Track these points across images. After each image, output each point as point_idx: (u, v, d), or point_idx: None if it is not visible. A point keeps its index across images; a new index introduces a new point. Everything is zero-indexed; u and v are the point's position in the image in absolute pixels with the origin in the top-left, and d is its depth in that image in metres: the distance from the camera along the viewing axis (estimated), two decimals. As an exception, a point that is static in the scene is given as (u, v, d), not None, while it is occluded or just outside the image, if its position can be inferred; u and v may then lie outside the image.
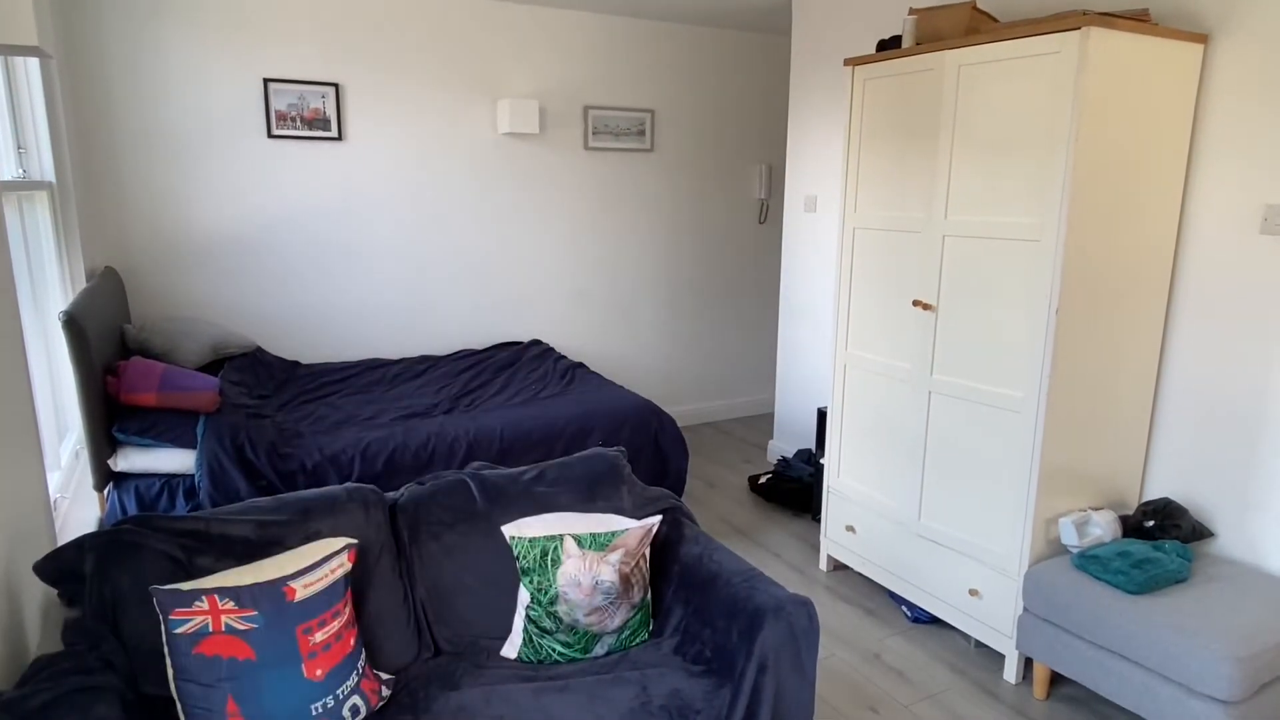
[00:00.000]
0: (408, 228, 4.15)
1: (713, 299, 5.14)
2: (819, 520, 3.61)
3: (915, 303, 2.73)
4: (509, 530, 1.93)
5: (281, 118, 3.82)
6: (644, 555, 1.97)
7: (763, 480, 3.99)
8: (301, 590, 1.68)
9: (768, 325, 5.37)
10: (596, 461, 2.16)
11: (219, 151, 3.72)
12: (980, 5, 3.07)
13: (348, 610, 1.75)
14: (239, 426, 2.73)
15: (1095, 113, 2.22)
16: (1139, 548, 2.35)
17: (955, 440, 2.64)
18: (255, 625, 1.62)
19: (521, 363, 3.98)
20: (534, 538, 1.91)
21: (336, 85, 3.88)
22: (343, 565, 1.76)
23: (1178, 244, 2.58)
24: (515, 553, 1.91)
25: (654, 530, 1.99)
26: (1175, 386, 2.62)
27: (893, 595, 3.02)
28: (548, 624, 1.89)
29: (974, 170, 2.50)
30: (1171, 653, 2.06)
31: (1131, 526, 2.52)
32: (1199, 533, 2.51)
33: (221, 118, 3.70)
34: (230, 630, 1.60)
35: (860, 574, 3.19)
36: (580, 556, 1.88)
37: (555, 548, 1.90)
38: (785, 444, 4.45)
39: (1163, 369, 2.65)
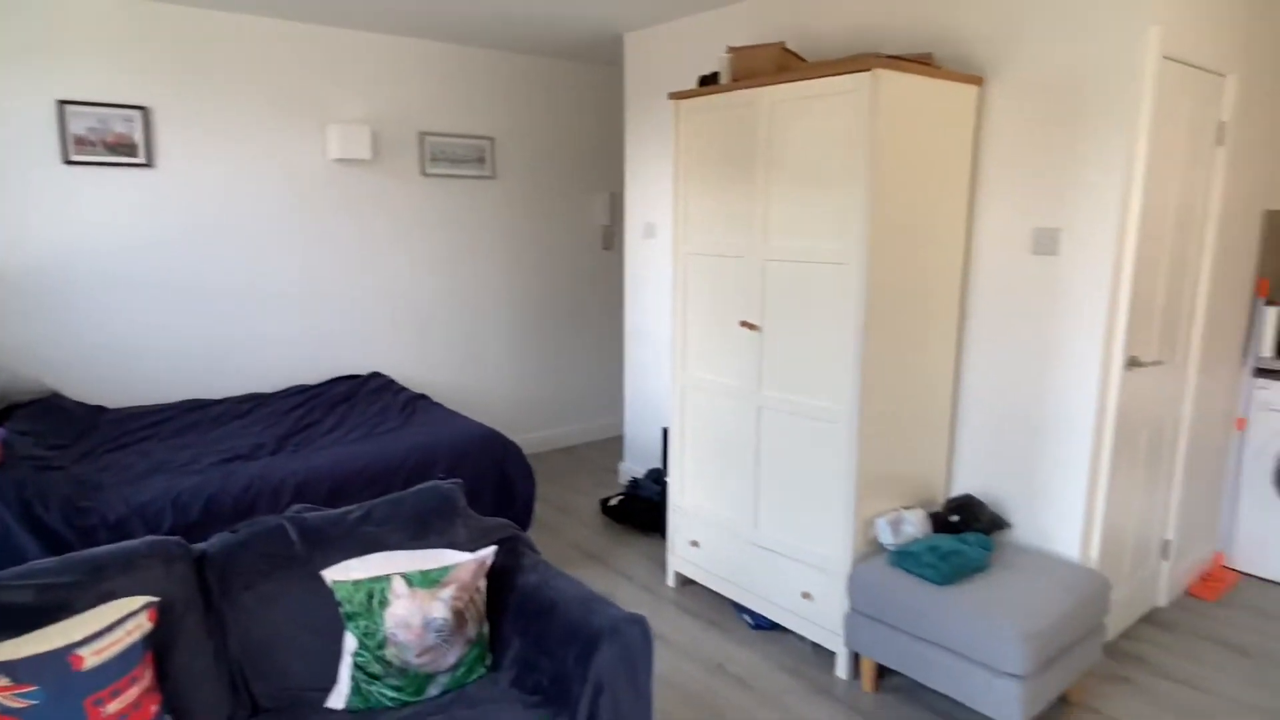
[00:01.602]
0: (229, 259, 3.91)
1: (560, 325, 5.16)
2: (668, 538, 3.68)
3: (742, 324, 2.86)
4: (331, 574, 1.85)
5: (80, 142, 3.51)
6: (479, 588, 1.94)
7: (613, 502, 4.03)
8: (91, 658, 1.53)
9: (615, 349, 5.45)
10: (428, 496, 2.11)
11: (5, 179, 3.37)
12: (789, 46, 3.29)
13: (147, 675, 1.61)
14: (24, 481, 2.46)
15: (888, 146, 2.43)
16: (946, 541, 2.55)
17: (784, 452, 2.79)
18: (35, 702, 1.46)
19: (359, 397, 3.83)
20: (359, 580, 1.84)
21: (145, 109, 3.61)
22: (141, 626, 1.62)
23: (966, 265, 2.86)
24: (339, 598, 1.83)
25: (489, 562, 1.96)
26: (971, 393, 2.89)
27: (736, 605, 3.12)
28: (376, 669, 1.81)
29: (788, 199, 2.67)
30: (975, 636, 2.25)
31: (939, 522, 2.74)
32: (997, 524, 2.77)
33: (8, 142, 3.36)
34: (4, 710, 1.43)
35: (706, 587, 3.28)
36: (410, 596, 1.83)
37: (383, 589, 1.84)
38: (636, 465, 4.52)
39: (959, 378, 2.91)
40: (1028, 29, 2.62)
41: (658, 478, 4.05)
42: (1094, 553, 2.69)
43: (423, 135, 4.42)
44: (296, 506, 2.10)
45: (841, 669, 2.69)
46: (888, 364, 2.60)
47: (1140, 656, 2.81)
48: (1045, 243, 2.65)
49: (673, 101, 3.06)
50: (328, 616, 1.90)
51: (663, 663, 2.77)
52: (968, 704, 2.29)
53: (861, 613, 2.56)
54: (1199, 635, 2.96)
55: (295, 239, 4.08)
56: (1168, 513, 3.12)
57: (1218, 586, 3.31)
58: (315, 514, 2.02)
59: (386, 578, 1.85)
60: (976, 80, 2.72)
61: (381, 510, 2.05)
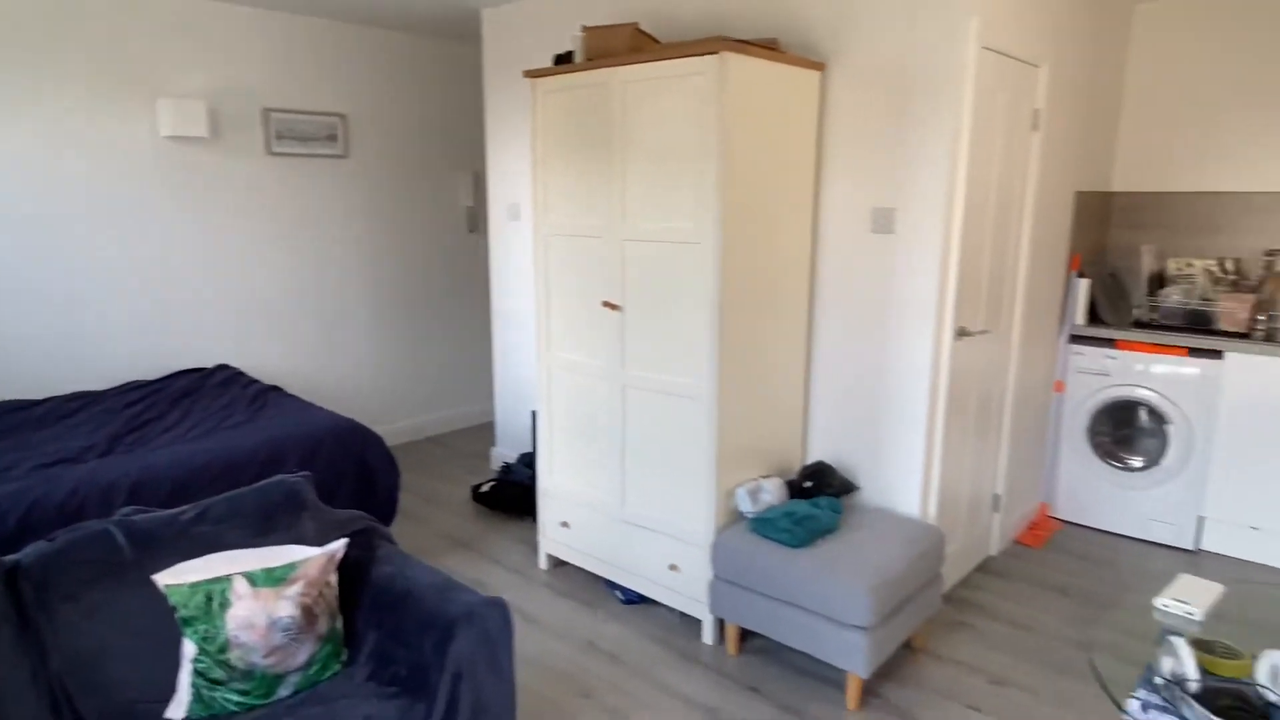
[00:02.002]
0: (48, 248, 3.56)
1: (425, 310, 5.02)
2: (539, 521, 3.68)
3: (604, 304, 2.88)
4: (164, 579, 1.74)
5: None
6: (329, 583, 1.87)
7: (485, 488, 3.98)
8: (-128, 691, 1.37)
9: (484, 334, 5.36)
10: (272, 490, 2.01)
11: None
12: (644, 27, 3.32)
13: (-55, 704, 1.46)
14: None
15: (737, 128, 2.50)
16: (800, 506, 2.68)
17: (649, 430, 2.84)
18: None
19: (203, 391, 3.59)
20: (195, 583, 1.74)
21: (-69, 76, 3.22)
22: (-65, 651, 1.47)
23: (814, 244, 2.99)
24: (173, 602, 1.72)
25: (339, 555, 1.90)
26: (822, 366, 3.04)
27: (607, 582, 3.17)
28: (219, 674, 1.72)
29: (644, 179, 2.70)
30: (826, 593, 2.38)
31: (795, 489, 2.87)
32: (847, 487, 2.94)
33: None
34: None
35: (577, 567, 3.31)
36: (253, 596, 1.74)
37: (223, 590, 1.74)
38: (507, 450, 4.48)
39: (811, 352, 3.05)
40: (864, 18, 2.76)
41: (529, 462, 4.04)
42: (932, 509, 2.91)
43: (267, 111, 4.17)
44: (127, 509, 1.95)
45: (708, 635, 2.78)
46: (744, 340, 2.69)
47: (975, 602, 3.06)
48: (883, 222, 2.81)
49: (529, 80, 3.02)
50: (162, 624, 1.79)
51: (533, 644, 2.77)
52: (821, 658, 2.43)
53: (724, 580, 2.65)
54: (1026, 580, 3.26)
55: (126, 224, 3.76)
56: (997, 469, 3.40)
57: (1042, 534, 3.64)
58: (145, 516, 1.88)
59: (227, 578, 1.75)
60: (819, 66, 2.84)
61: (219, 508, 1.94)
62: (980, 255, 2.94)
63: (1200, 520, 3.50)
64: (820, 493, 2.84)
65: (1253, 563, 3.40)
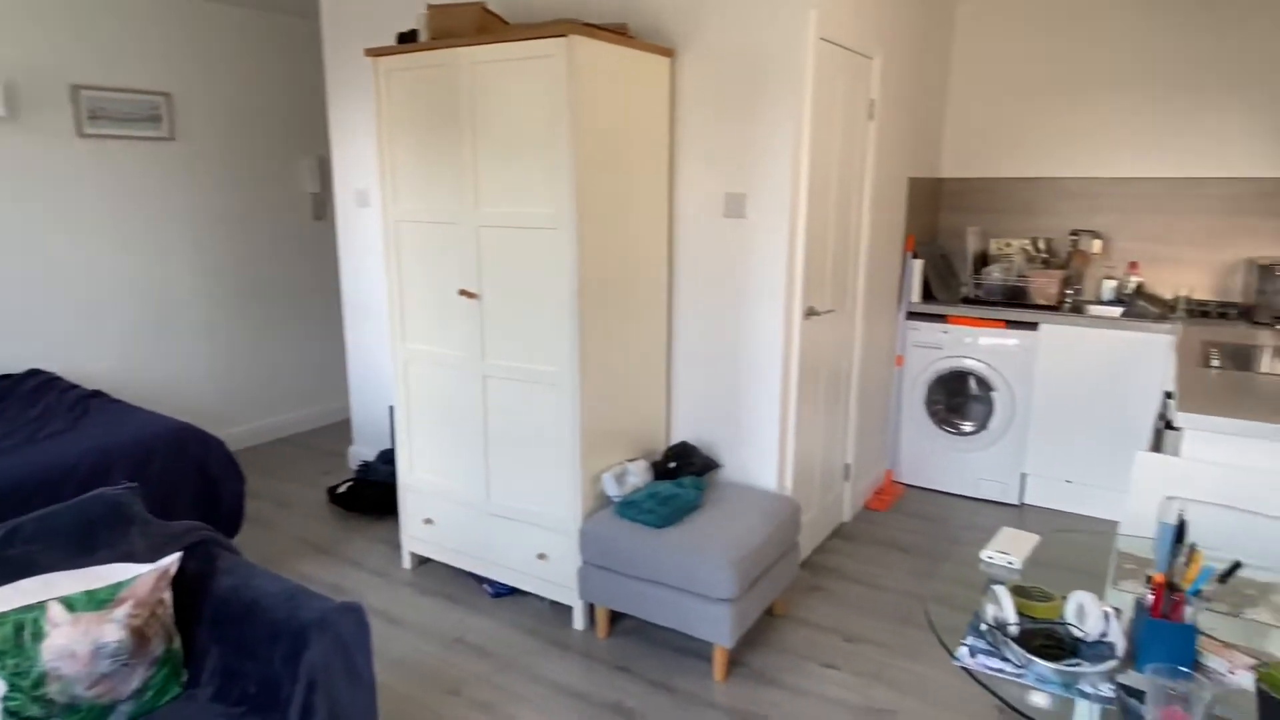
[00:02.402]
0: None
1: (270, 304, 4.72)
2: (403, 519, 3.56)
3: (461, 292, 2.81)
4: (-40, 612, 1.55)
5: None
6: (163, 601, 1.73)
7: (342, 489, 3.81)
8: None
9: (336, 327, 5.11)
10: (93, 505, 1.83)
11: None
12: (491, 7, 3.24)
13: None
14: None
15: (588, 113, 2.49)
16: (665, 487, 2.74)
17: (511, 419, 2.80)
18: None
19: (11, 399, 3.22)
20: (3, 614, 1.56)
21: None
22: None
23: (670, 228, 3.04)
24: (-27, 637, 1.53)
25: (172, 570, 1.76)
26: (682, 348, 3.10)
27: (475, 577, 3.11)
28: (36, 711, 1.56)
29: (497, 163, 2.64)
30: (690, 569, 2.44)
31: (660, 470, 2.93)
32: (709, 466, 3.02)
33: None
34: None
35: (443, 564, 3.23)
36: (72, 622, 1.58)
37: (35, 619, 1.57)
38: (366, 448, 4.30)
39: (672, 335, 3.11)
40: (710, 6, 2.81)
41: (389, 459, 3.89)
42: (789, 481, 3.04)
43: (76, 89, 3.76)
44: (-90, 538, 1.72)
45: (578, 621, 2.79)
46: (605, 325, 2.70)
47: (830, 567, 3.24)
48: (735, 207, 2.89)
49: (371, 59, 2.88)
50: (-39, 663, 1.59)
51: (399, 646, 2.69)
52: (689, 633, 2.49)
53: (593, 564, 2.67)
54: (875, 542, 3.48)
55: (-100, 213, 3.30)
56: (847, 440, 3.61)
57: (888, 499, 3.90)
58: (-65, 544, 1.67)
59: (40, 605, 1.58)
60: (668, 52, 2.87)
61: (29, 528, 1.75)
62: (825, 238, 3.09)
63: (1023, 477, 3.86)
64: (684, 472, 2.91)
65: (1067, 512, 3.78)
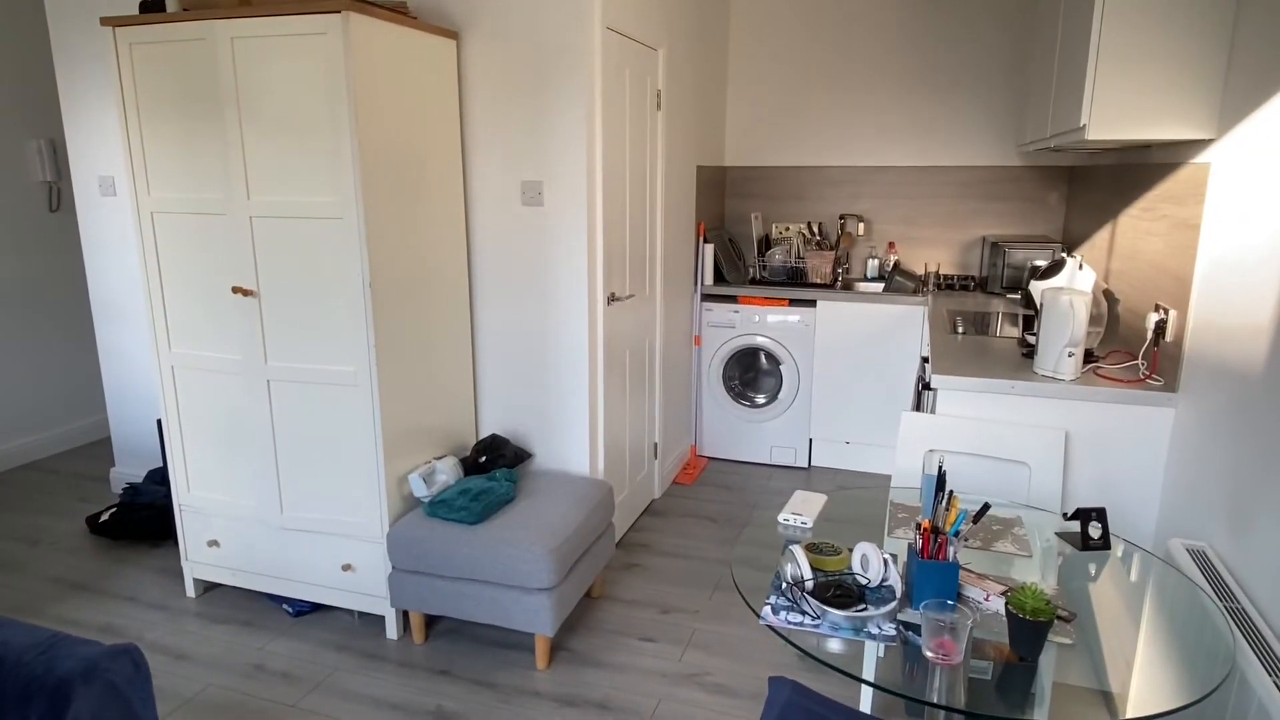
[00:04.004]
0: None
1: (1, 311, 4.05)
2: (182, 543, 3.21)
3: (235, 289, 2.56)
4: None
5: None
6: None
7: (105, 517, 3.36)
8: None
9: (86, 332, 4.49)
10: None
11: None
12: (254, -23, 2.96)
13: None
14: None
15: (370, 96, 2.36)
16: (476, 482, 2.68)
17: (302, 425, 2.61)
18: None
19: None
20: None
21: None
22: None
23: (467, 217, 2.96)
24: None
25: (-119, 636, 1.46)
26: (486, 340, 3.05)
27: (272, 597, 2.88)
28: None
29: (268, 149, 2.43)
30: (508, 563, 2.42)
31: (470, 465, 2.86)
32: (521, 457, 3.00)
33: None
34: None
35: (234, 587, 2.96)
36: None
37: None
38: (132, 469, 3.83)
39: (475, 326, 3.04)
40: (494, -11, 2.76)
41: (161, 478, 3.49)
42: (600, 465, 3.09)
43: None
44: None
45: (391, 630, 2.67)
46: (402, 319, 2.58)
47: (644, 543, 3.35)
48: (531, 195, 2.87)
49: (108, 29, 2.54)
50: None
51: (189, 683, 2.43)
52: (509, 626, 2.47)
53: (404, 570, 2.56)
54: (684, 514, 3.63)
55: None
56: (653, 420, 3.73)
57: (694, 473, 4.09)
58: None
59: None
60: (452, 35, 2.78)
61: None
62: (622, 225, 3.16)
63: (810, 441, 4.20)
64: (495, 465, 2.87)
65: (849, 470, 4.17)
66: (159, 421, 3.17)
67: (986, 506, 1.60)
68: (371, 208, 2.40)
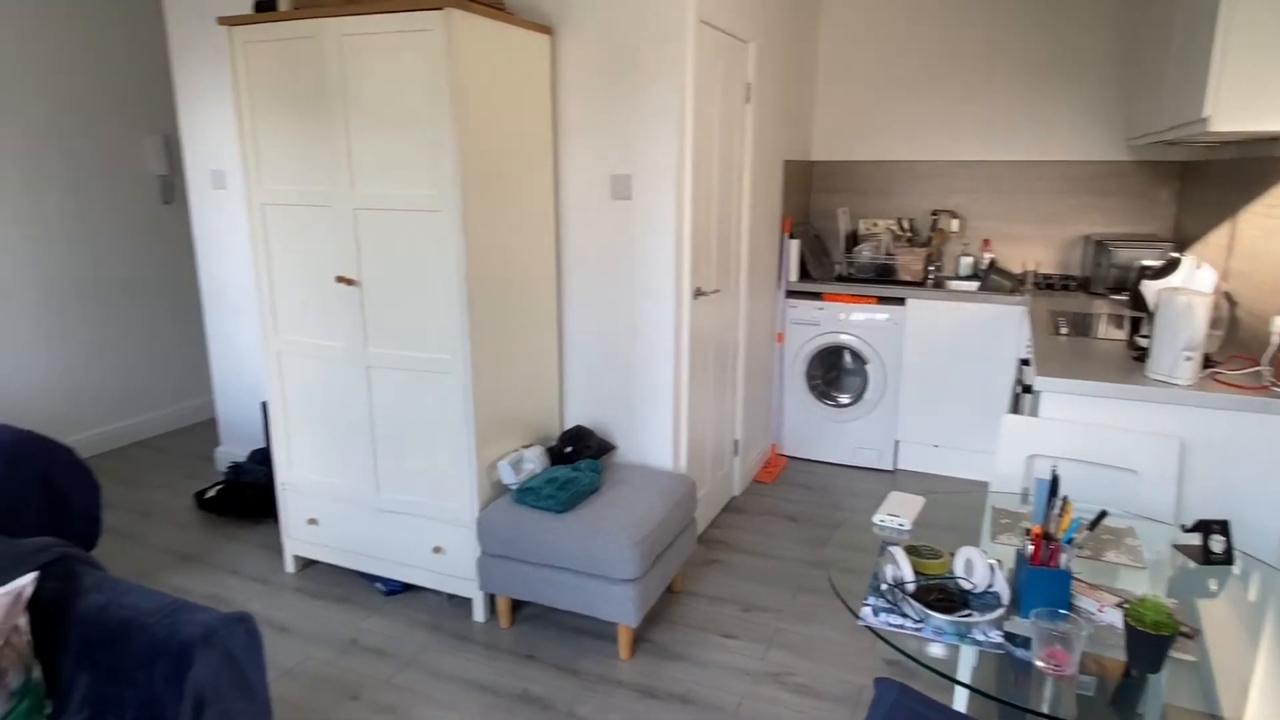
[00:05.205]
0: None
1: (117, 297, 4.31)
2: (281, 521, 3.37)
3: (339, 279, 2.67)
4: None
5: None
6: (18, 628, 1.56)
7: (211, 494, 3.55)
8: None
9: (195, 319, 4.74)
10: (-78, 528, 1.62)
11: None
12: (360, -23, 3.06)
13: None
14: None
15: (470, 90, 2.41)
16: (562, 472, 2.72)
17: (399, 410, 2.69)
18: None
19: None
20: None
21: None
22: None
23: (557, 210, 3.00)
24: None
25: (26, 594, 1.58)
26: (572, 331, 3.08)
27: (366, 576, 2.99)
28: None
29: (372, 142, 2.51)
30: (592, 552, 2.44)
31: (555, 455, 2.90)
32: (604, 448, 3.02)
33: None
34: None
35: (330, 565, 3.08)
36: (-94, 660, 1.40)
37: None
38: (236, 448, 4.03)
39: (562, 317, 3.08)
40: (590, -16, 2.78)
41: (263, 458, 3.66)
42: (683, 460, 3.09)
43: None
44: None
45: (479, 613, 2.74)
46: (495, 310, 2.64)
47: (724, 540, 3.33)
48: (621, 188, 2.88)
49: (224, 28, 2.67)
50: None
51: (289, 654, 2.55)
52: (593, 615, 2.50)
53: (492, 554, 2.62)
54: (764, 513, 3.60)
55: None
56: (735, 417, 3.71)
57: (774, 471, 4.05)
58: None
59: None
60: (547, 30, 2.82)
61: None
62: (709, 220, 3.14)
63: (896, 444, 4.10)
64: (580, 456, 2.90)
65: (936, 475, 4.05)
66: (263, 404, 3.33)
67: (1103, 514, 1.53)
68: (468, 200, 2.45)
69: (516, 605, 2.81)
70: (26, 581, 1.58)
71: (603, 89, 2.84)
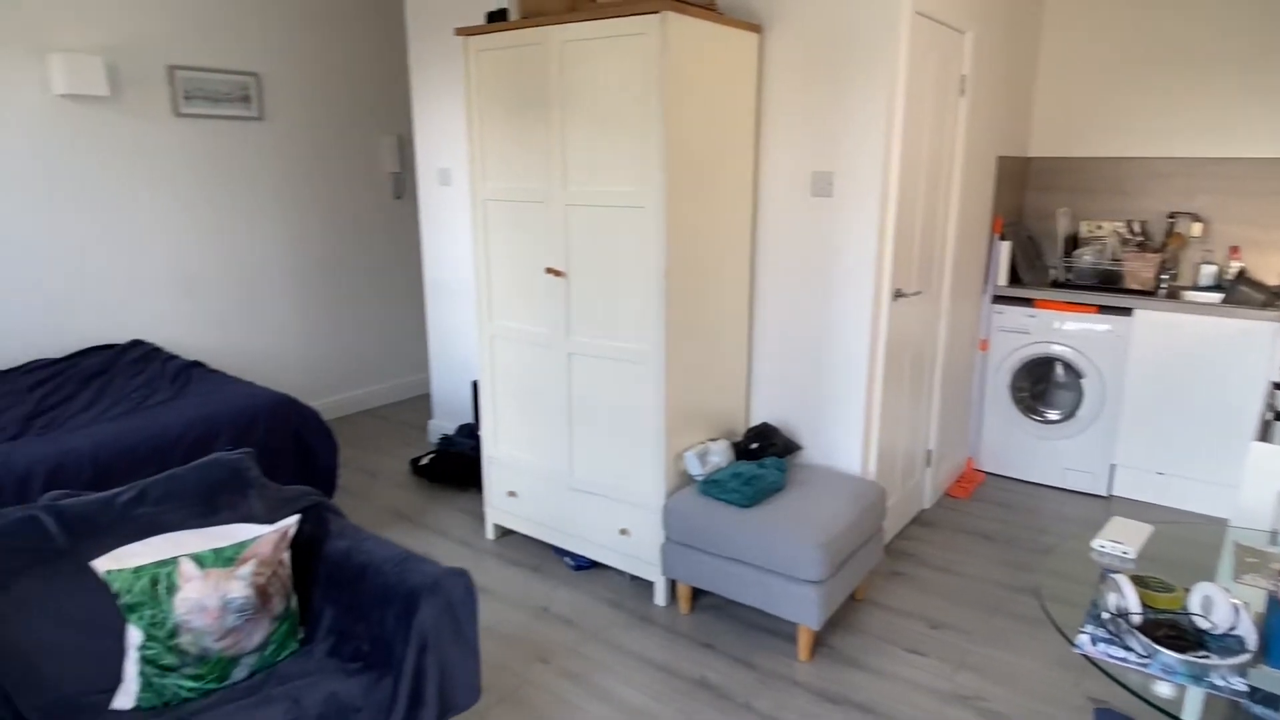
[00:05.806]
0: (-69, 214, 3.27)
1: (351, 281, 4.85)
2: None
3: (548, 270, 2.84)
4: (103, 564, 1.65)
5: None
6: (283, 561, 1.81)
7: (425, 461, 3.91)
8: None
9: (416, 303, 5.23)
10: (214, 469, 1.92)
11: None
12: (580, -15, 3.23)
13: None
14: None
15: (678, 90, 2.48)
16: (747, 467, 2.74)
17: (595, 396, 2.83)
18: None
19: (118, 368, 3.39)
20: (140, 567, 1.65)
21: None
22: None
23: (755, 207, 3.01)
24: (115, 589, 1.63)
25: (291, 532, 1.84)
26: (764, 329, 3.08)
27: (556, 549, 3.17)
28: (170, 660, 1.65)
29: (585, 142, 2.66)
30: (778, 550, 2.44)
31: (741, 450, 2.93)
32: (790, 447, 3.01)
33: None
34: None
35: (525, 535, 3.30)
36: (202, 577, 1.67)
37: (169, 573, 1.66)
38: (446, 422, 4.41)
39: (753, 315, 3.10)
40: (802, -20, 2.76)
41: (469, 432, 3.98)
42: (872, 466, 3.01)
43: (172, 69, 3.90)
44: (52, 494, 1.83)
45: (660, 597, 2.82)
46: (689, 304, 2.70)
47: (911, 553, 3.20)
48: (822, 185, 2.85)
49: (461, 39, 2.92)
50: (102, 611, 1.70)
51: (487, 613, 2.76)
52: (773, 612, 2.50)
53: (676, 541, 2.69)
54: (956, 529, 3.42)
55: (18, 187, 3.48)
56: (929, 426, 3.54)
57: (969, 486, 3.83)
58: (76, 500, 1.78)
59: (172, 561, 1.67)
60: (756, 28, 2.84)
61: (158, 489, 1.84)
62: (913, 218, 3.03)
63: (1112, 468, 3.74)
64: (765, 453, 2.90)
65: (1159, 505, 3.65)
66: (474, 383, 3.62)
67: (1383, 562, 1.33)
68: (672, 197, 2.53)
69: (696, 594, 2.87)
70: (291, 522, 1.84)
71: (809, 85, 2.82)
